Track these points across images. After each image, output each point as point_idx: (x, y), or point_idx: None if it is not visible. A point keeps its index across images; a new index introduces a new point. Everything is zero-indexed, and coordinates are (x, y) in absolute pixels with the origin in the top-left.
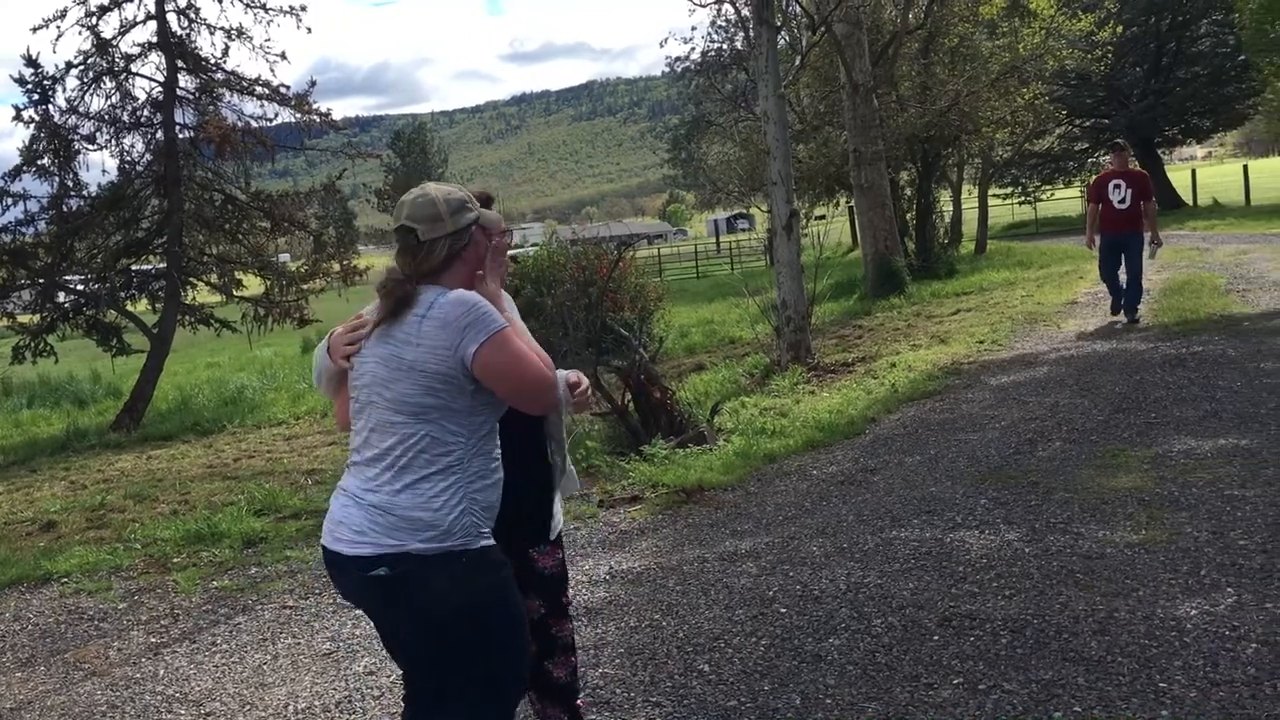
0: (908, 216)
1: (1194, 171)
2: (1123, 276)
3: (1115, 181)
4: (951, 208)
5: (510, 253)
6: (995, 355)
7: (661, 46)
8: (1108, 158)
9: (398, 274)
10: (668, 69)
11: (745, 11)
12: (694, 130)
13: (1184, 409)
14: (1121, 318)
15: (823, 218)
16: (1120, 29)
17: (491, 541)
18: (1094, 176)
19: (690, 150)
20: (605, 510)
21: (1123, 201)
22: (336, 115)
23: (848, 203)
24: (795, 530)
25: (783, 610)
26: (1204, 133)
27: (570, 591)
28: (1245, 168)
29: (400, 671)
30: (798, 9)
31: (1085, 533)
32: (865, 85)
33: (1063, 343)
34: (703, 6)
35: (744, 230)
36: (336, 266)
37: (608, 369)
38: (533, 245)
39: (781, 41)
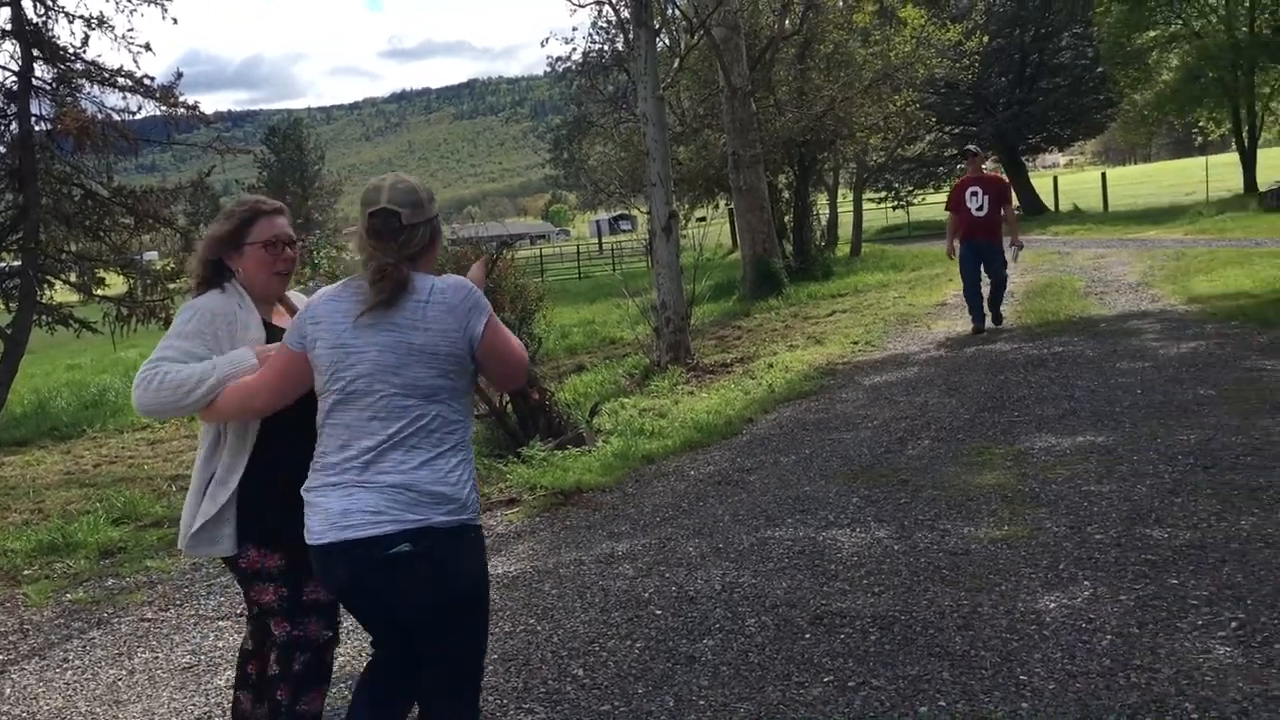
0: (785, 219)
1: (1056, 179)
2: (985, 288)
3: (972, 189)
4: (828, 211)
5: None
6: (869, 356)
7: (543, 46)
8: (963, 165)
9: (385, 259)
10: (549, 69)
11: (625, 14)
12: (575, 131)
13: (1045, 407)
14: (987, 326)
15: (703, 219)
16: (987, 39)
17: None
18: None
19: (572, 151)
20: (482, 514)
21: (980, 209)
22: (207, 109)
23: (727, 205)
24: (672, 531)
25: (658, 612)
26: (1065, 141)
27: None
28: (1103, 175)
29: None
30: (677, 12)
31: (951, 529)
32: (743, 89)
33: (932, 343)
34: (582, 7)
35: (626, 231)
36: None
37: None
38: None
39: (661, 44)
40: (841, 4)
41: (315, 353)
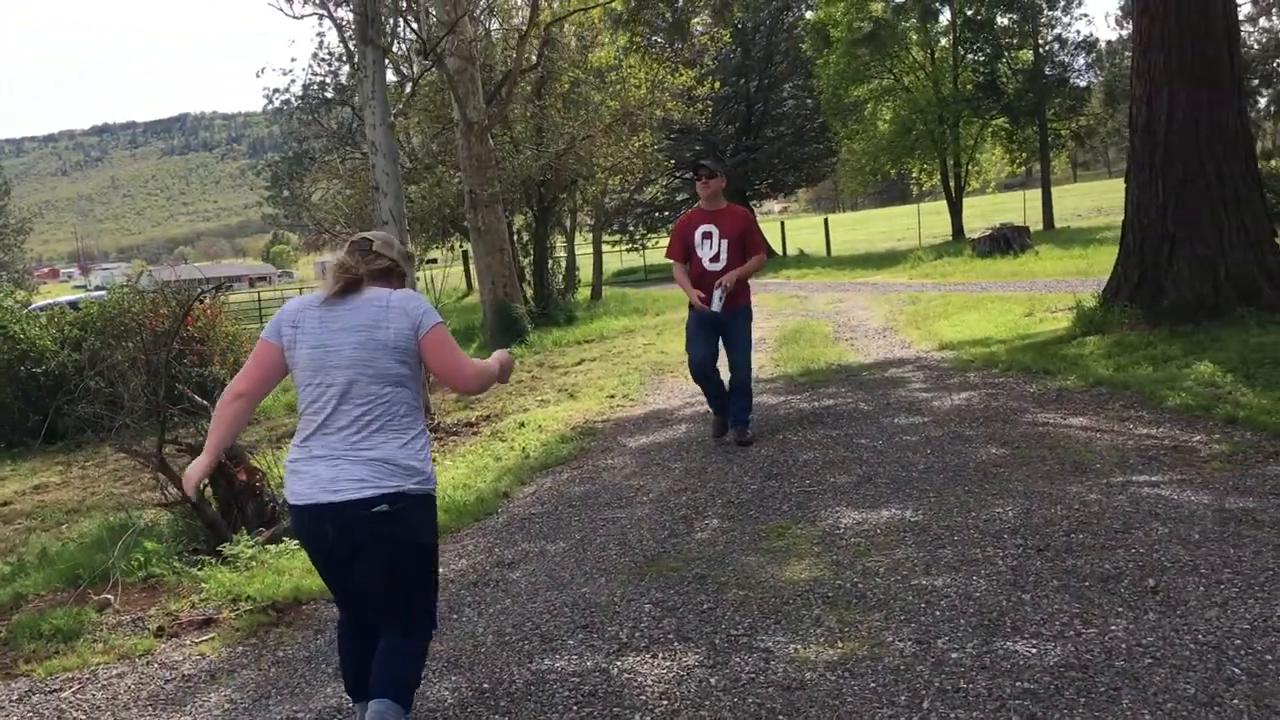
0: (524, 262)
1: (783, 223)
2: (723, 371)
3: (704, 227)
4: (566, 254)
5: (68, 299)
6: (628, 411)
7: (258, 76)
8: (698, 187)
9: (347, 262)
10: (266, 100)
11: (350, 31)
12: (295, 167)
13: (836, 474)
14: (728, 437)
15: (434, 261)
16: (718, 85)
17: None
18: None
19: (292, 189)
20: (166, 642)
21: (716, 258)
22: None
23: (461, 246)
24: None
25: None
26: (790, 187)
27: None
28: (826, 221)
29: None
30: (409, 34)
31: (775, 649)
32: (480, 124)
33: (694, 396)
34: (299, 19)
35: None
36: None
37: (178, 447)
38: (98, 290)
39: (391, 79)
40: (574, 44)
41: (296, 352)
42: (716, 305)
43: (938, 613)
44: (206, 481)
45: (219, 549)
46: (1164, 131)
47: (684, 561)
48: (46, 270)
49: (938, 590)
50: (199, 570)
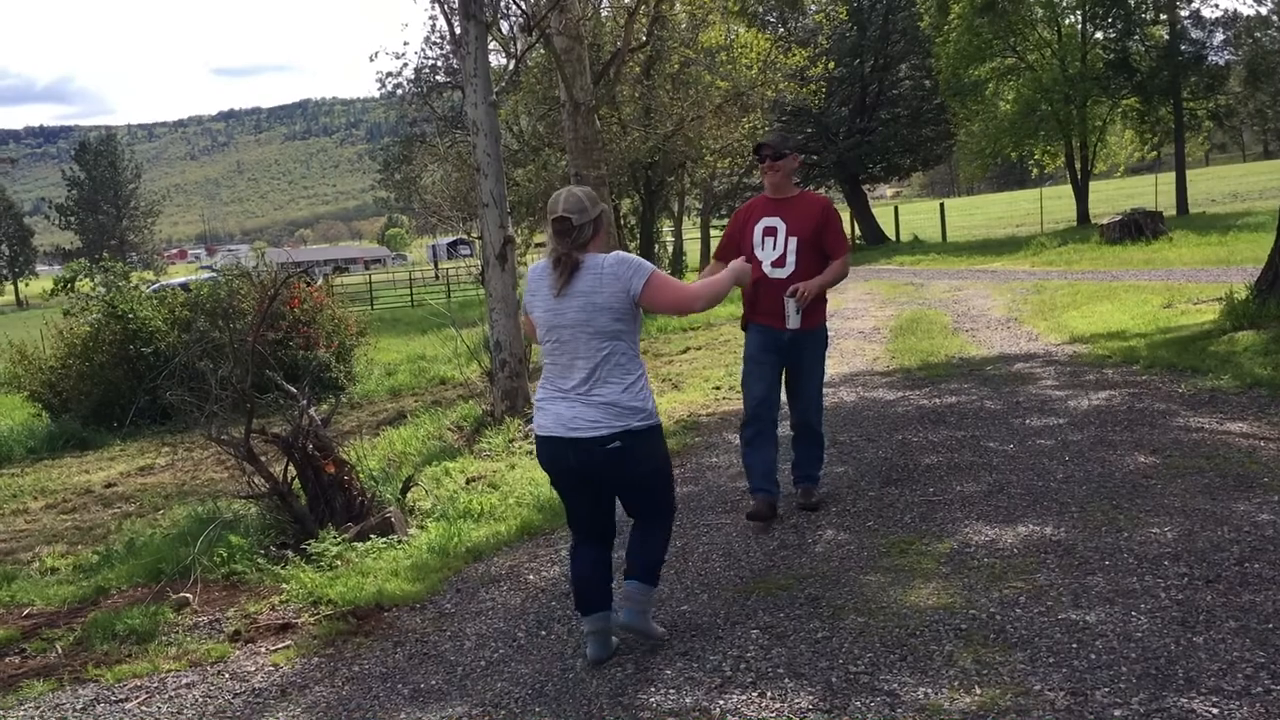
0: (631, 246)
1: (897, 208)
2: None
3: (768, 222)
4: (672, 238)
5: (180, 280)
6: (734, 404)
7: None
8: (762, 174)
9: (560, 251)
10: (380, 85)
11: (453, 6)
12: (406, 150)
13: (964, 481)
14: (799, 502)
15: (542, 245)
16: (833, 65)
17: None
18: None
19: (405, 172)
20: (241, 648)
21: (780, 262)
22: (16, 125)
23: None
24: (504, 689)
25: None
26: (905, 170)
27: None
28: (942, 206)
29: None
30: (513, 10)
31: (901, 692)
32: (587, 104)
33: None
34: None
35: (465, 256)
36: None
37: (264, 438)
38: (207, 274)
39: (497, 60)
40: (685, 24)
41: (534, 314)
42: (793, 321)
43: (1093, 655)
44: (294, 474)
45: (305, 545)
46: None
47: (795, 579)
48: (175, 251)
49: (1091, 628)
50: (281, 568)
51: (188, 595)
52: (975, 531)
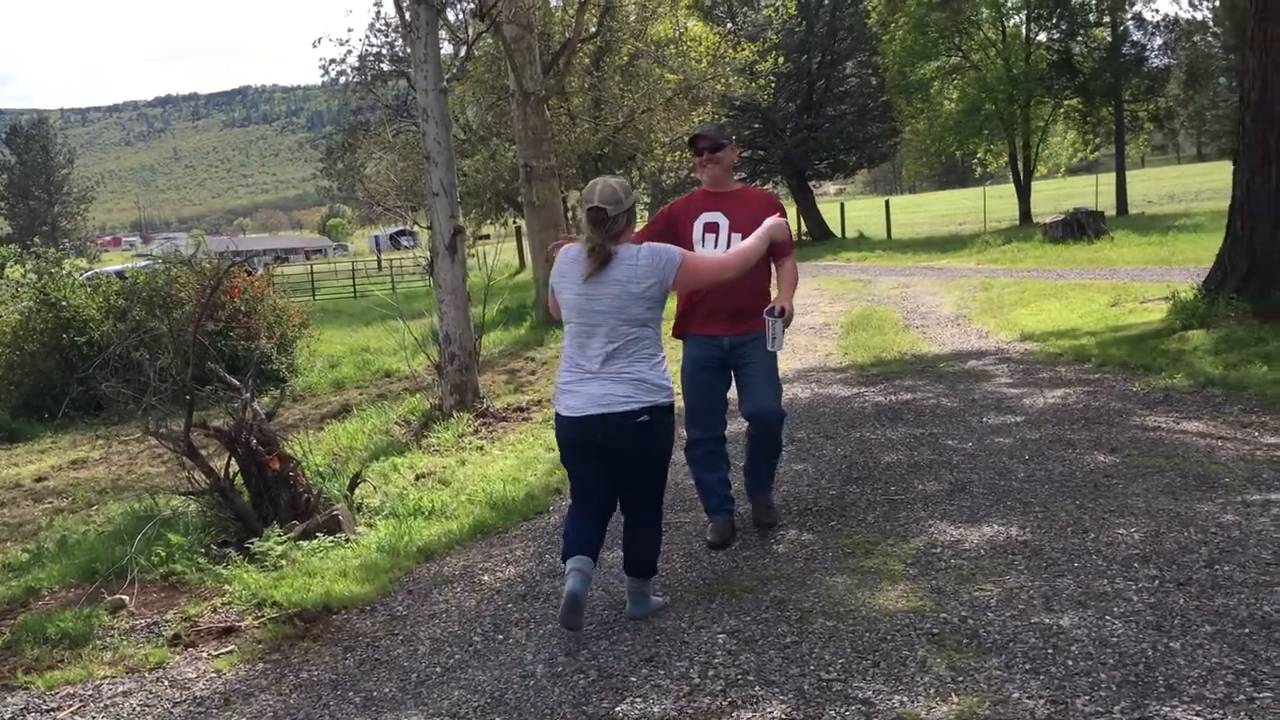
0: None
1: (843, 205)
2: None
3: (708, 217)
4: None
5: (115, 268)
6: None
7: (315, 47)
8: (698, 169)
9: (595, 240)
10: (323, 72)
11: None
12: (349, 139)
13: (925, 480)
14: (713, 535)
15: (486, 237)
16: (782, 60)
17: None
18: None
19: (348, 161)
20: (180, 653)
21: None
22: None
23: (515, 222)
24: (461, 697)
25: None
26: (851, 168)
27: None
28: (887, 203)
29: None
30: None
31: (876, 700)
32: (536, 94)
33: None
34: None
35: (408, 248)
36: None
37: (205, 431)
38: (144, 261)
39: (446, 47)
40: (635, 15)
41: (561, 295)
42: (779, 343)
43: (1070, 662)
44: (236, 469)
45: (248, 544)
46: None
47: (759, 580)
48: (109, 239)
49: (1065, 632)
50: (223, 568)
51: (124, 597)
52: (940, 531)
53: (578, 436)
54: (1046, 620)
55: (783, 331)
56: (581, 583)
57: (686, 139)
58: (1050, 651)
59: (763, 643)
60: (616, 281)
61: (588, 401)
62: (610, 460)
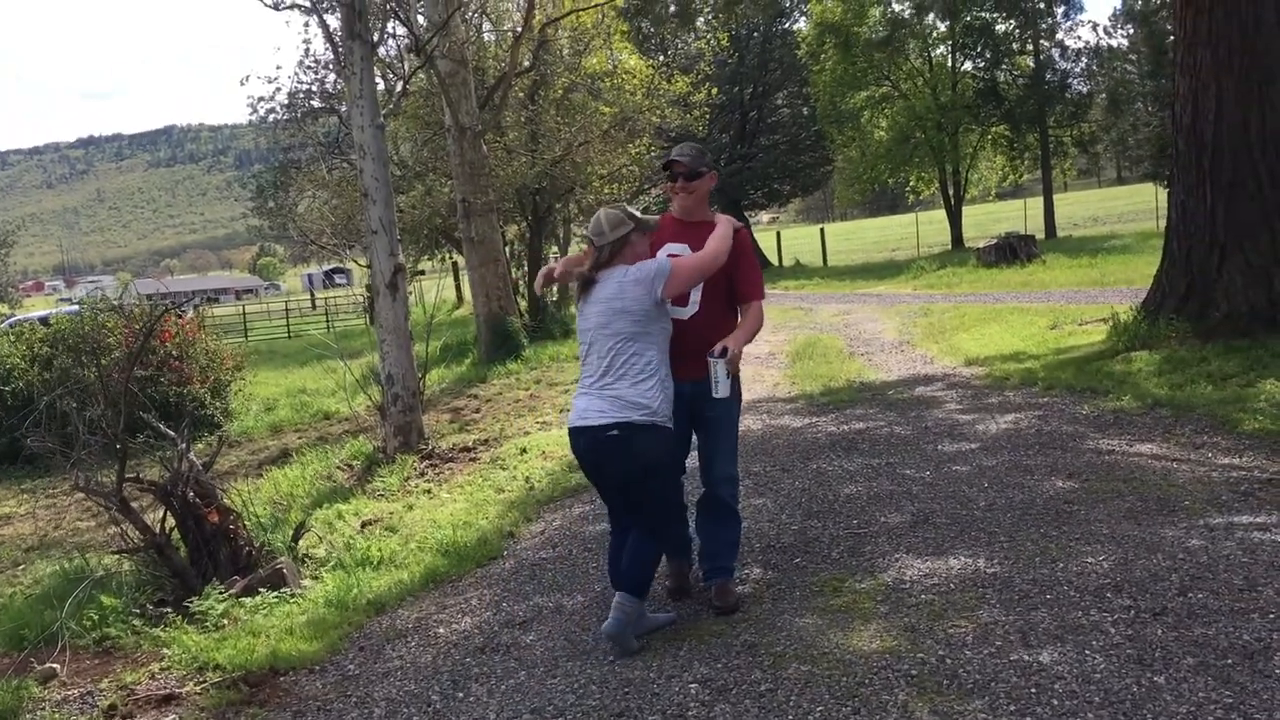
0: (518, 273)
1: (779, 233)
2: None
3: (674, 248)
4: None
5: (39, 314)
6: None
7: (242, 85)
8: (671, 194)
9: (581, 270)
10: (250, 110)
11: (334, 24)
12: (281, 177)
13: (886, 512)
14: (672, 581)
15: (422, 273)
16: (715, 91)
17: (671, 423)
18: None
19: (278, 199)
20: None
21: (684, 300)
22: None
23: (453, 258)
24: None
25: None
26: (785, 197)
27: None
28: (822, 231)
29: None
30: (397, 30)
31: None
32: (473, 129)
33: None
34: (279, 9)
35: (342, 285)
36: None
37: (139, 485)
38: (70, 307)
39: (380, 83)
40: (568, 51)
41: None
42: (722, 389)
43: (1054, 701)
44: (173, 524)
45: (187, 603)
46: (1211, 131)
47: (728, 624)
48: (31, 284)
49: (1047, 669)
50: (161, 630)
51: (54, 666)
52: (907, 565)
53: (574, 448)
54: (1026, 657)
55: (726, 376)
56: (618, 625)
57: (660, 164)
58: (1034, 691)
59: (737, 692)
60: (602, 299)
61: (576, 415)
62: (604, 474)
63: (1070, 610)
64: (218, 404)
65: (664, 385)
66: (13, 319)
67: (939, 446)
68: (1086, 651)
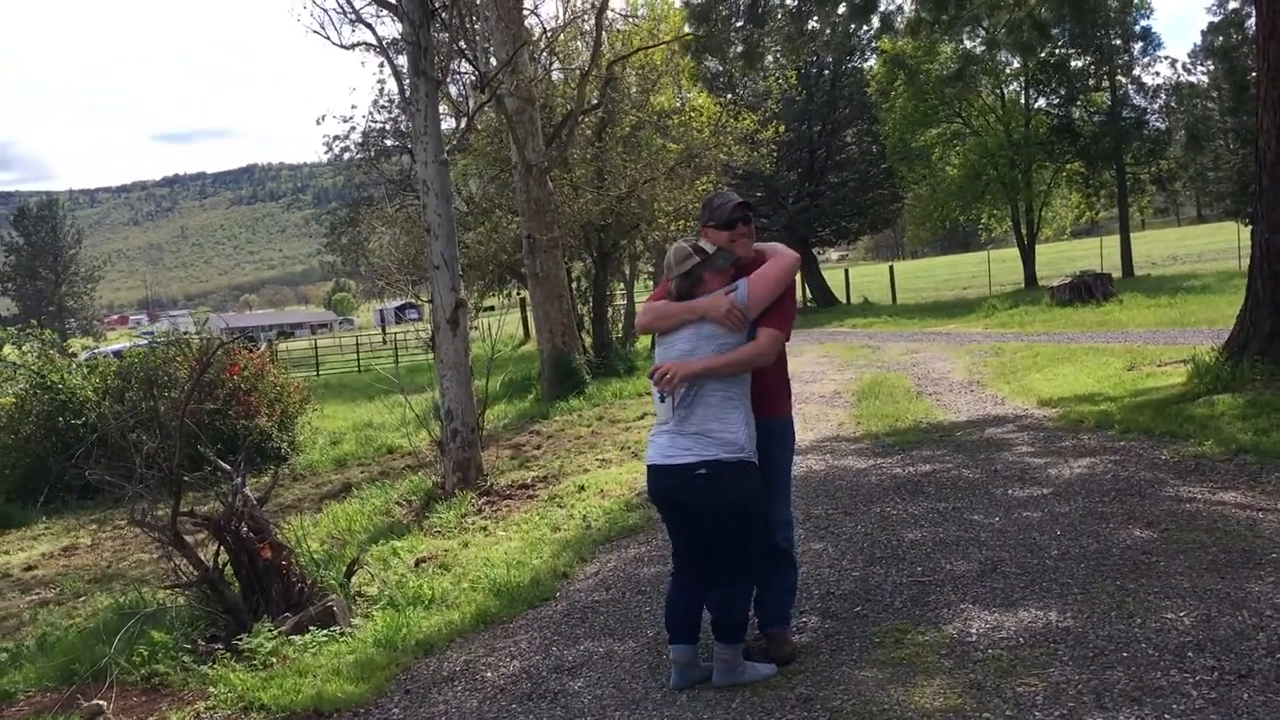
0: (583, 310)
1: (847, 271)
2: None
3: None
4: (625, 301)
5: (114, 348)
6: None
7: (319, 124)
8: (731, 240)
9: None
10: (326, 148)
11: (401, 63)
12: (355, 214)
13: (953, 559)
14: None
15: (491, 308)
16: (783, 128)
17: (757, 459)
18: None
19: (352, 235)
20: None
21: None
22: None
23: (519, 294)
24: None
25: None
26: (854, 234)
27: None
28: (891, 269)
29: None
30: (464, 67)
31: None
32: (539, 166)
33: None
34: (346, 49)
35: (413, 320)
36: None
37: (193, 519)
38: (144, 340)
39: (448, 123)
40: (635, 89)
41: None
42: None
43: None
44: (226, 559)
45: (237, 639)
46: None
47: (782, 675)
48: (116, 317)
49: None
50: (209, 668)
51: (102, 702)
52: (973, 617)
53: (650, 486)
54: None
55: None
56: (682, 677)
57: (729, 205)
58: None
59: None
60: (685, 335)
61: (656, 453)
62: (685, 512)
63: (1148, 670)
64: (285, 437)
65: (749, 420)
66: (89, 353)
67: (1009, 491)
68: (1166, 716)
